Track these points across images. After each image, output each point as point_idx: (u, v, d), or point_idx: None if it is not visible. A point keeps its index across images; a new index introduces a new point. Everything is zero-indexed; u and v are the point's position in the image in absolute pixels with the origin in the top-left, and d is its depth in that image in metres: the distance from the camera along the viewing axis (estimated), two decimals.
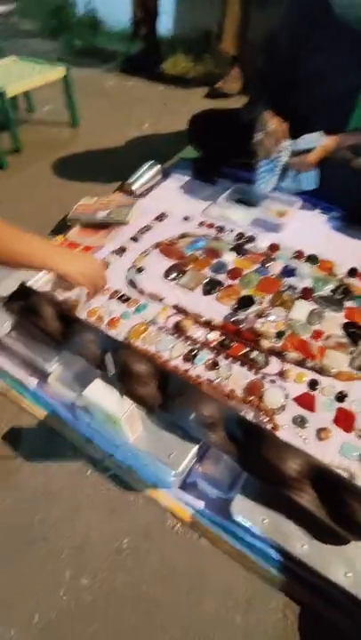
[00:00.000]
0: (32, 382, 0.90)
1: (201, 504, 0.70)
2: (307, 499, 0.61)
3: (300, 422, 0.80)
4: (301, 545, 0.61)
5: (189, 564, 0.67)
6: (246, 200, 1.33)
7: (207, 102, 2.09)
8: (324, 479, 0.62)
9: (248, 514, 0.65)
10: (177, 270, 1.13)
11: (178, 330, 0.98)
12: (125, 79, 2.41)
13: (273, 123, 1.14)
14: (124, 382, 0.76)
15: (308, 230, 1.23)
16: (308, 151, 1.13)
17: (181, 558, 0.67)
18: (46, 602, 0.64)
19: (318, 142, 1.10)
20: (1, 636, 0.61)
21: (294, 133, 1.14)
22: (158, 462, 0.69)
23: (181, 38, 2.60)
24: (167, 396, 0.76)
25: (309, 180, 1.21)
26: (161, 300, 1.05)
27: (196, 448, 0.70)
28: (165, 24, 2.61)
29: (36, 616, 0.63)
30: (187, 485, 0.73)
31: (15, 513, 0.74)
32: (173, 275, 1.12)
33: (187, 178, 1.49)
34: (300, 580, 0.63)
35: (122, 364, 0.77)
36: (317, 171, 1.19)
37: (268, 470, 0.63)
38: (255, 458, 0.65)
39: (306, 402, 0.83)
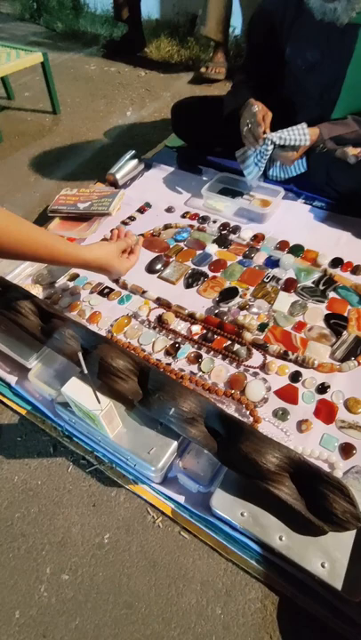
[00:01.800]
0: (12, 379, 0.89)
1: (182, 498, 0.71)
2: (285, 491, 0.62)
3: (281, 415, 0.80)
4: (280, 537, 0.62)
5: (170, 557, 0.67)
6: (230, 190, 1.31)
7: (191, 88, 2.05)
8: (302, 472, 0.63)
9: (228, 507, 0.65)
10: (160, 262, 1.11)
11: (160, 323, 0.97)
12: (108, 64, 2.34)
13: (259, 111, 1.12)
14: (104, 378, 0.75)
15: (292, 220, 1.22)
16: (294, 147, 1.11)
17: (162, 552, 0.68)
18: (27, 598, 0.64)
19: (304, 142, 1.09)
20: None
21: (280, 121, 1.12)
22: (138, 458, 0.68)
23: (166, 22, 2.53)
24: (147, 391, 0.76)
25: (297, 167, 1.19)
26: (143, 292, 1.04)
27: (175, 444, 0.70)
28: (149, 7, 2.54)
29: (17, 612, 0.63)
30: (168, 480, 0.73)
31: None
32: (156, 267, 1.10)
33: (171, 167, 1.46)
34: (278, 571, 0.63)
35: (101, 360, 0.76)
36: (304, 157, 1.18)
37: (247, 464, 0.63)
38: (235, 452, 0.65)
39: (288, 394, 0.83)
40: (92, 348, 0.79)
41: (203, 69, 2.02)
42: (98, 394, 0.65)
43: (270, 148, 1.11)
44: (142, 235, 1.19)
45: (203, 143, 1.44)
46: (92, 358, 0.76)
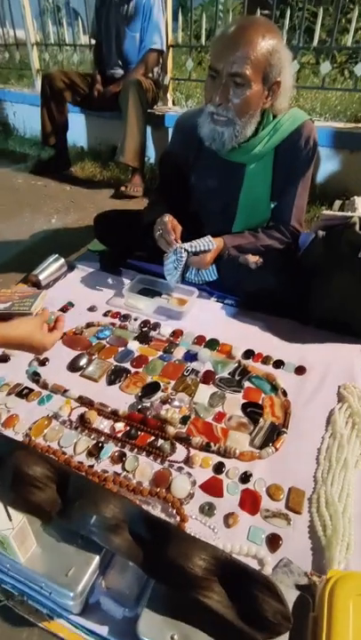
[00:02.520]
0: None
1: (105, 630, 0.62)
2: (215, 599, 0.58)
3: (207, 510, 0.79)
4: None
5: None
6: (149, 290, 1.42)
7: (112, 201, 2.29)
8: (230, 573, 0.61)
9: (156, 631, 0.59)
10: (82, 360, 1.12)
11: (83, 422, 0.95)
12: (34, 179, 2.55)
13: (169, 221, 1.28)
14: (18, 489, 0.69)
15: (206, 317, 1.34)
16: (203, 252, 1.28)
17: None
18: None
19: (211, 247, 1.27)
20: None
21: (189, 234, 1.29)
22: (54, 584, 0.61)
23: (90, 150, 2.90)
24: (67, 500, 0.70)
25: (210, 274, 1.37)
26: (65, 391, 1.02)
27: (97, 559, 0.64)
28: (75, 136, 2.92)
29: None
30: (89, 607, 0.65)
31: None
32: (78, 365, 1.11)
33: (93, 269, 1.55)
34: None
35: (15, 469, 0.71)
36: (214, 265, 1.36)
37: (173, 572, 0.60)
38: (160, 560, 0.61)
39: (212, 487, 0.83)
40: (6, 455, 0.73)
41: (122, 188, 2.31)
42: (9, 510, 0.59)
43: (184, 255, 1.27)
44: (64, 333, 1.21)
45: (123, 249, 1.58)
46: (5, 468, 0.71)
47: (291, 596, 0.62)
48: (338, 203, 1.53)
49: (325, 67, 2.12)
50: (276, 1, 2.18)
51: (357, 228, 1.07)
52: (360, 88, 2.23)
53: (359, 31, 2.80)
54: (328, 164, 2.14)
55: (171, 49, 2.53)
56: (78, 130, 2.89)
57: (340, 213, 1.18)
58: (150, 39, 2.29)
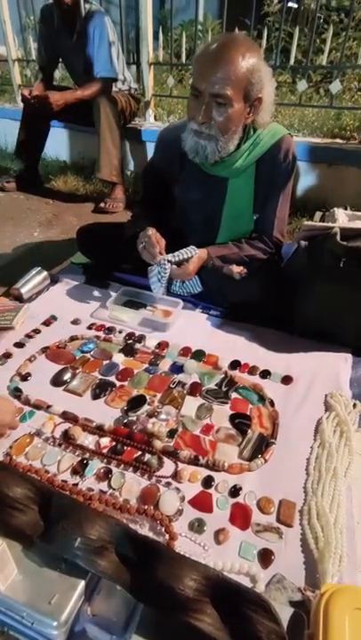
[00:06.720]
0: None
1: None
2: (207, 622, 0.56)
3: (197, 527, 0.76)
4: None
5: None
6: (134, 302, 1.41)
7: (95, 215, 2.28)
8: (222, 593, 0.58)
9: None
10: (66, 375, 1.09)
11: (67, 439, 0.91)
12: (16, 193, 2.53)
13: (153, 234, 1.28)
14: None
15: (192, 328, 1.33)
16: (186, 260, 1.28)
17: None
18: None
19: (192, 253, 1.27)
20: None
21: (172, 247, 1.29)
22: (37, 613, 0.57)
23: (72, 163, 2.90)
24: (50, 522, 0.67)
25: (194, 285, 1.37)
26: (48, 407, 0.99)
27: (82, 584, 0.61)
28: (58, 150, 2.92)
29: None
30: (74, 636, 0.61)
31: None
32: (62, 379, 1.08)
33: (76, 282, 1.53)
34: None
35: None
36: (198, 277, 1.36)
37: (163, 594, 0.57)
38: (149, 581, 0.58)
39: (202, 503, 0.81)
40: None
41: (102, 204, 2.29)
42: None
43: (168, 266, 1.26)
44: (46, 348, 1.18)
45: (106, 262, 1.57)
46: None
47: (285, 613, 0.60)
48: (318, 214, 1.56)
49: (302, 85, 2.19)
50: (253, 21, 2.26)
51: (338, 238, 1.09)
52: (335, 105, 2.31)
53: (333, 51, 2.90)
54: (307, 178, 2.19)
55: (152, 67, 2.57)
56: (61, 144, 2.89)
57: (321, 224, 1.20)
58: (100, 67, 2.21)
